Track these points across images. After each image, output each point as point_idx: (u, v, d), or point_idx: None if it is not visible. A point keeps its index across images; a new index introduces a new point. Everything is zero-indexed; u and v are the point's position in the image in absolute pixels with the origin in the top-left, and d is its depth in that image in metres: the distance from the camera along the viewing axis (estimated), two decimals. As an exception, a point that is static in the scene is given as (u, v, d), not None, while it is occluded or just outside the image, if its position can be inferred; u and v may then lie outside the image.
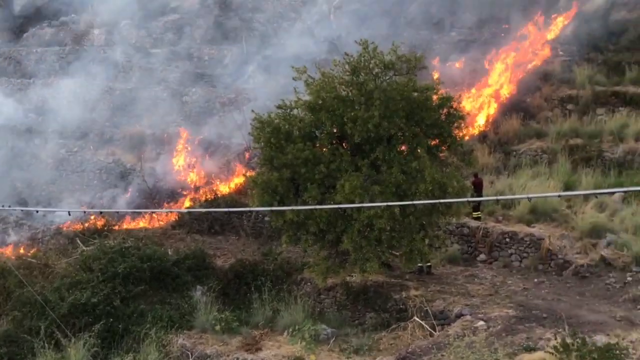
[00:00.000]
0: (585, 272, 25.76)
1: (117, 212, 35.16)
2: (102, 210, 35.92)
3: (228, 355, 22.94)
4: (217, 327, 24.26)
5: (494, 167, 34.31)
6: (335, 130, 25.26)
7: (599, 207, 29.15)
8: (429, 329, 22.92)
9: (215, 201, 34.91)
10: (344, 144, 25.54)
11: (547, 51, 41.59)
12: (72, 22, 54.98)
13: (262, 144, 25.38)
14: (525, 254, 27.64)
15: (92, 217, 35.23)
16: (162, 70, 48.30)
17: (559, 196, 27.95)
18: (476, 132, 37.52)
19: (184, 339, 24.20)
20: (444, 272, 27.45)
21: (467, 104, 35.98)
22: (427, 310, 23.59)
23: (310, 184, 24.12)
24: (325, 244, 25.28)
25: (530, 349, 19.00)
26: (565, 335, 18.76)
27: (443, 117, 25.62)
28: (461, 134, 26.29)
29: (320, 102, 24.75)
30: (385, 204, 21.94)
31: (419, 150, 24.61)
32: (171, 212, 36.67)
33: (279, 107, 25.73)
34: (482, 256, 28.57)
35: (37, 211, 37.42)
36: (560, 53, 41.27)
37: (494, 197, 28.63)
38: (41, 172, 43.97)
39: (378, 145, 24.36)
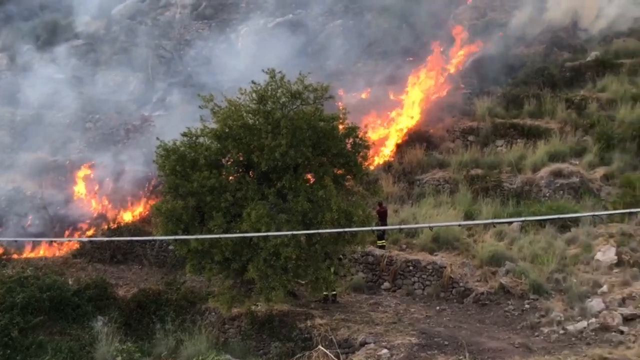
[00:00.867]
0: (485, 300, 26.39)
1: (16, 241, 34.02)
2: (1, 239, 34.72)
3: (130, 387, 22.45)
4: (119, 359, 23.67)
5: (398, 196, 34.87)
6: (241, 159, 25.26)
7: (498, 236, 30.06)
8: (334, 357, 22.92)
9: (118, 230, 34.32)
10: (250, 173, 25.55)
11: (449, 84, 42.73)
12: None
13: (167, 171, 25.08)
14: (428, 282, 28.13)
15: (-9, 246, 33.97)
16: (65, 96, 47.20)
17: (460, 225, 28.66)
18: (381, 161, 38.10)
19: (84, 372, 23.57)
20: (349, 301, 27.63)
21: (372, 134, 36.52)
22: (331, 338, 23.63)
23: (215, 212, 24.01)
24: (231, 272, 25.11)
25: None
26: (466, 361, 19.14)
27: (349, 146, 25.94)
28: (366, 164, 26.64)
29: (227, 130, 24.72)
30: (291, 232, 22.01)
31: (325, 179, 24.76)
32: (72, 240, 35.73)
33: (184, 134, 25.53)
34: (387, 284, 28.91)
35: None
36: (462, 86, 42.48)
37: (397, 226, 29.10)
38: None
39: (285, 174, 24.44)
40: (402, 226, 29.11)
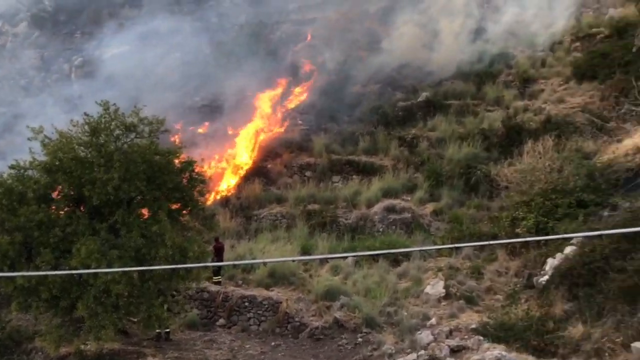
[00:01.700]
0: (320, 334, 26.66)
1: None
2: None
3: None
4: None
5: (235, 231, 34.86)
6: (72, 193, 24.36)
7: (333, 271, 30.56)
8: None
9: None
10: (81, 207, 24.66)
11: (288, 120, 43.28)
12: None
13: (-8, 205, 23.82)
14: (263, 318, 28.10)
15: None
16: None
17: (294, 260, 28.98)
18: (218, 196, 37.96)
19: None
20: (183, 338, 27.14)
21: (209, 169, 36.36)
22: (164, 377, 23.17)
23: (43, 248, 22.98)
24: (59, 310, 24.03)
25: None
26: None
27: (185, 181, 25.69)
28: (203, 199, 26.48)
29: (57, 163, 23.82)
30: (122, 269, 21.44)
31: (160, 214, 24.28)
32: None
33: (12, 167, 24.38)
34: (222, 321, 28.62)
35: None
36: (300, 122, 43.14)
37: (231, 262, 29.09)
38: None
39: (118, 209, 23.80)
40: (237, 262, 29.09)
